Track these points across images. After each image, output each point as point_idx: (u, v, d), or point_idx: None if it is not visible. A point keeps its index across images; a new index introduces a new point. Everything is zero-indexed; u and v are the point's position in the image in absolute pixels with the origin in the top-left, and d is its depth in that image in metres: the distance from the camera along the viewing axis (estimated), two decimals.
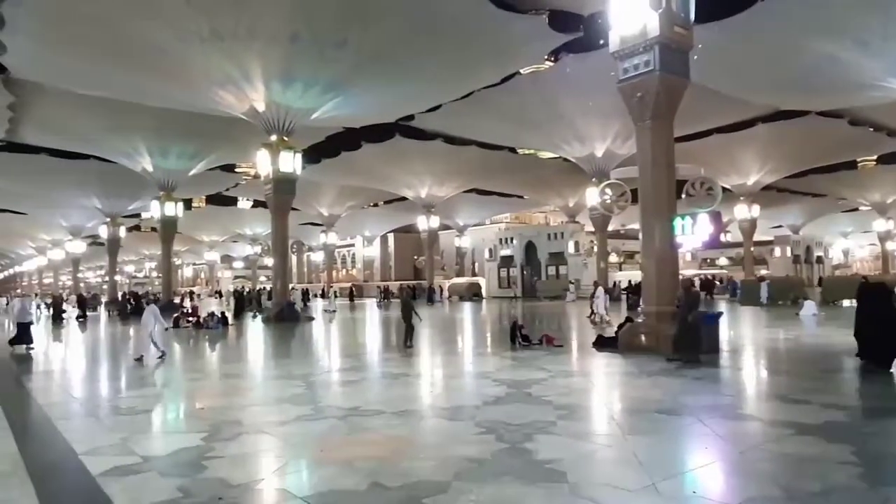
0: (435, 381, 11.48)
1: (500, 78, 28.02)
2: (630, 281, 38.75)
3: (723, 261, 63.43)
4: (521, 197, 58.35)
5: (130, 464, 6.00)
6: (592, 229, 43.75)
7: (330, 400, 9.27)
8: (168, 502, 4.96)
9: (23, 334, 17.12)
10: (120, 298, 42.95)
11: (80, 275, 73.10)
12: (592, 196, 34.99)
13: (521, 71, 28.96)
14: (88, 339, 22.98)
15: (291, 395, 9.52)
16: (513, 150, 43.03)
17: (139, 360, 13.77)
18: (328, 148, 38.67)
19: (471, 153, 40.88)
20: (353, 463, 5.82)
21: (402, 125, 35.42)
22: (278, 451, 6.62)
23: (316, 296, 52.96)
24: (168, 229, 40.21)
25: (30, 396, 10.43)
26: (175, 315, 26.03)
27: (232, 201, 62.54)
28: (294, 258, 79.15)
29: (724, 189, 24.61)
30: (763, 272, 49.71)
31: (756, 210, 46.76)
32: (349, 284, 62.01)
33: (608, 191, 18.10)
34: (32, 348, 17.00)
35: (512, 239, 53.37)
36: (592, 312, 22.40)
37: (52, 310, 32.10)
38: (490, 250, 54.79)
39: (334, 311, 34.09)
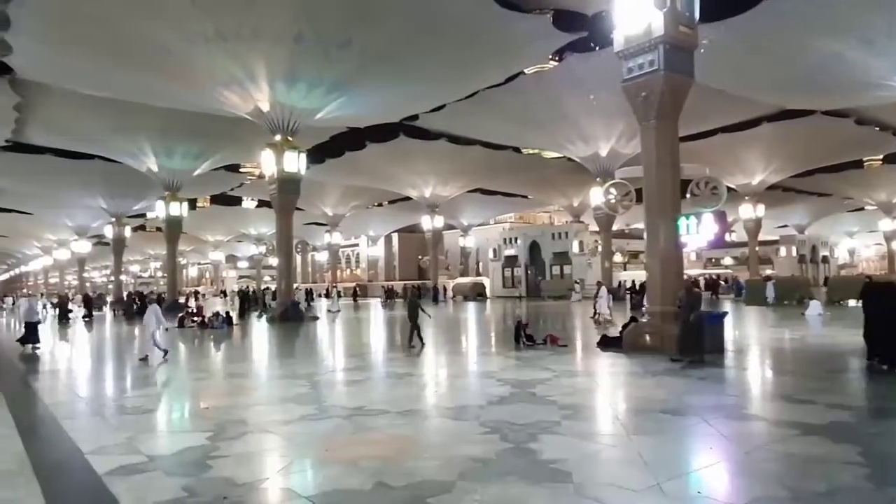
0: (439, 381, 11.49)
1: (505, 78, 28.00)
2: (633, 281, 38.72)
3: (728, 260, 63.28)
4: (525, 197, 58.32)
5: (136, 463, 6.03)
6: (597, 229, 43.73)
7: (334, 399, 9.29)
8: (173, 501, 4.98)
9: (30, 334, 17.24)
10: (125, 298, 43.10)
11: (85, 274, 73.29)
12: (597, 196, 34.93)
13: (526, 71, 28.92)
14: (94, 338, 23.06)
15: (296, 394, 9.54)
16: (517, 149, 42.99)
17: (144, 359, 13.81)
18: (332, 148, 38.72)
19: (475, 153, 40.88)
20: (358, 462, 5.83)
21: (406, 125, 35.43)
22: (283, 450, 6.64)
23: (320, 296, 53.00)
24: (173, 229, 40.32)
25: (36, 396, 10.48)
26: (180, 315, 26.12)
27: (236, 201, 62.65)
28: (298, 258, 79.32)
29: (729, 188, 24.57)
30: (768, 272, 49.53)
31: (761, 210, 46.64)
32: (353, 284, 62.09)
33: (612, 190, 18.03)
34: (38, 348, 17.08)
35: (516, 239, 53.32)
36: (596, 313, 22.36)
37: (58, 309, 32.21)
38: (494, 250, 54.74)
39: (338, 311, 34.12)
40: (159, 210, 39.73)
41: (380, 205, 64.01)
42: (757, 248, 49.22)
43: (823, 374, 10.92)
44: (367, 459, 5.92)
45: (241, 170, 48.39)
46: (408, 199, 53.23)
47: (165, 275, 51.14)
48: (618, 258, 54.88)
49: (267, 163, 27.12)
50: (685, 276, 13.40)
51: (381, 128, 35.76)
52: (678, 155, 14.39)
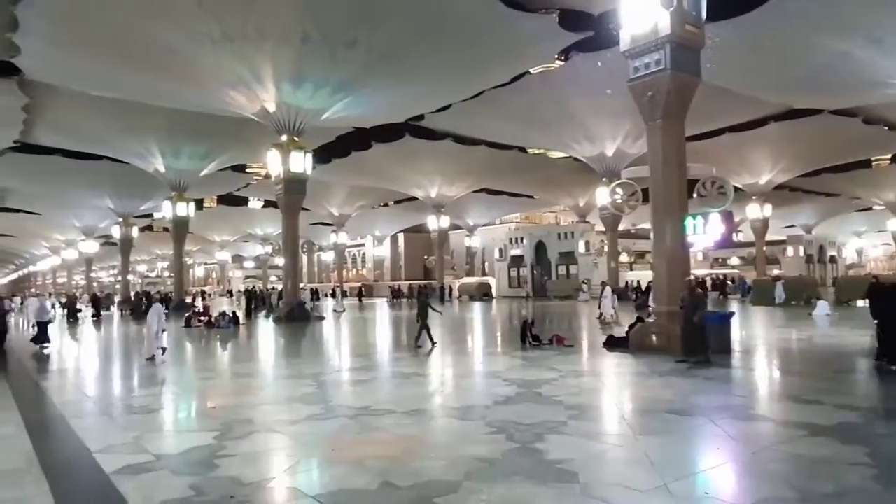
0: (445, 381, 11.50)
1: (510, 77, 27.95)
2: (638, 281, 38.65)
3: (735, 260, 62.99)
4: (531, 197, 58.26)
5: (143, 462, 6.06)
6: (603, 229, 43.59)
7: (340, 399, 9.30)
8: (180, 500, 5.00)
9: (42, 333, 17.36)
10: (133, 298, 43.33)
11: (92, 274, 73.69)
12: (603, 195, 34.86)
13: (531, 70, 28.87)
14: (102, 338, 23.18)
15: (302, 394, 9.56)
16: (523, 149, 42.94)
17: (150, 359, 13.87)
18: (338, 148, 38.78)
19: (481, 153, 40.85)
20: (364, 462, 5.84)
21: (412, 125, 35.44)
22: (289, 449, 6.66)
23: (326, 295, 53.10)
24: (180, 229, 40.48)
25: (44, 395, 10.55)
26: (187, 314, 26.24)
27: (243, 201, 62.85)
28: (304, 258, 79.43)
29: (736, 188, 24.44)
30: (776, 272, 49.33)
31: (768, 209, 46.41)
32: (359, 284, 62.16)
33: (619, 190, 18.02)
34: (46, 347, 17.18)
35: (522, 238, 53.26)
36: (601, 313, 22.31)
37: (66, 309, 32.45)
38: (500, 250, 54.70)
39: (342, 310, 34.23)
40: (166, 210, 39.90)
41: (385, 205, 64.07)
42: (764, 248, 49.00)
43: (831, 374, 10.87)
44: (374, 459, 5.93)
45: (248, 170, 48.58)
46: (413, 199, 53.23)
47: (172, 275, 51.34)
48: (624, 258, 54.72)
49: (273, 163, 27.21)
50: (687, 277, 13.30)
51: (387, 128, 35.78)
52: (685, 154, 14.35)
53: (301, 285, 36.55)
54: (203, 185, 42.65)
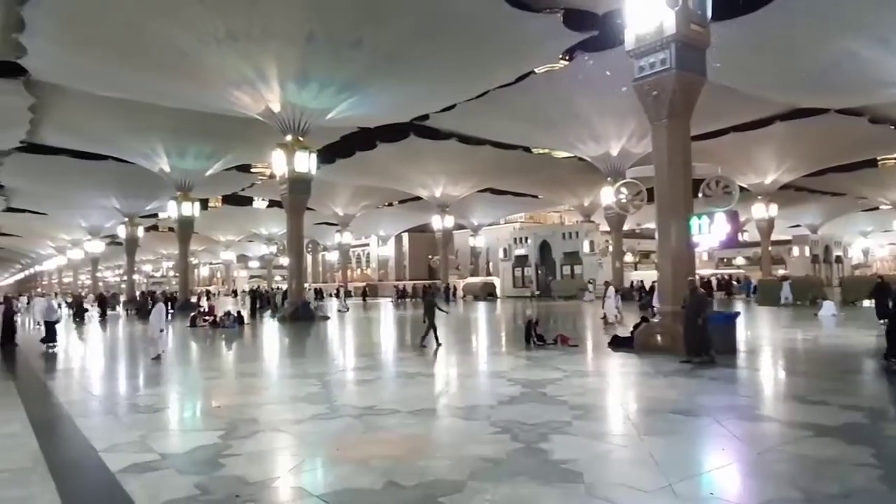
0: (450, 381, 11.50)
1: (515, 77, 27.94)
2: (641, 281, 38.57)
3: (740, 260, 62.79)
4: (535, 196, 58.20)
5: (149, 461, 6.08)
6: (607, 229, 43.55)
7: (345, 399, 9.31)
8: (186, 499, 5.02)
9: (50, 332, 17.45)
10: (138, 297, 43.47)
11: (98, 274, 73.98)
12: (607, 195, 34.80)
13: (536, 70, 28.83)
14: (108, 337, 23.28)
15: (307, 393, 9.58)
16: (527, 149, 42.89)
17: (156, 359, 13.92)
18: (343, 148, 38.79)
19: (485, 153, 40.83)
20: (369, 462, 5.85)
21: (416, 125, 35.44)
22: (294, 449, 6.67)
23: (330, 295, 53.19)
24: (185, 229, 40.60)
25: (51, 394, 10.59)
26: (192, 314, 26.31)
27: (247, 201, 62.96)
28: (309, 258, 79.58)
29: (742, 188, 24.33)
30: (781, 272, 49.15)
31: (774, 209, 46.28)
32: (363, 284, 62.21)
33: (624, 190, 17.97)
34: (53, 347, 17.24)
35: (526, 238, 53.24)
36: (605, 314, 22.24)
37: (73, 309, 32.61)
38: (504, 250, 54.70)
39: (346, 310, 34.33)
40: (171, 210, 40.03)
41: (390, 205, 64.13)
42: (769, 248, 48.84)
43: (837, 374, 10.82)
44: (378, 459, 5.94)
45: (253, 170, 48.64)
46: (418, 198, 53.27)
47: (177, 274, 51.47)
48: (629, 258, 54.61)
49: (278, 163, 27.27)
50: (689, 277, 13.25)
51: (392, 128, 35.79)
52: (690, 154, 14.31)
53: (306, 285, 36.61)
54: (208, 185, 42.77)
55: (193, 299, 41.53)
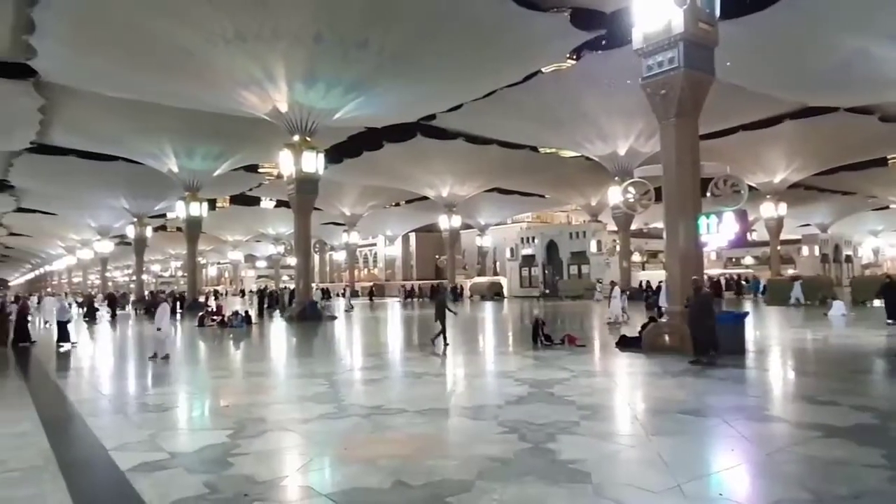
0: (457, 380, 11.50)
1: (522, 77, 27.90)
2: (648, 281, 38.40)
3: (749, 260, 62.47)
4: (542, 196, 58.09)
5: (158, 460, 6.11)
6: (615, 228, 43.42)
7: (353, 398, 9.33)
8: (195, 498, 5.04)
9: (63, 332, 17.58)
10: (147, 297, 43.72)
11: (107, 274, 74.40)
12: (615, 195, 34.73)
13: (543, 69, 28.80)
14: (118, 337, 23.43)
15: (314, 393, 9.60)
16: (534, 148, 42.83)
17: (165, 358, 13.99)
18: (350, 148, 38.85)
19: (492, 152, 40.81)
20: (377, 461, 5.86)
21: (423, 125, 35.46)
22: (302, 448, 6.69)
23: (338, 295, 53.32)
24: (193, 229, 40.78)
25: (61, 393, 10.67)
26: (200, 314, 26.45)
27: (255, 201, 63.20)
28: (316, 257, 79.74)
29: (750, 187, 24.26)
30: (791, 271, 48.87)
31: (783, 208, 46.02)
32: (370, 284, 62.31)
33: (631, 189, 17.93)
34: (62, 346, 17.37)
35: (533, 238, 53.16)
36: (615, 315, 22.14)
37: (84, 308, 32.89)
38: (511, 249, 54.63)
39: (350, 309, 34.43)
40: (180, 210, 40.22)
41: (397, 204, 64.20)
42: (779, 248, 48.57)
43: (847, 374, 10.75)
44: (386, 458, 5.95)
45: (260, 170, 48.82)
46: (425, 198, 53.28)
47: (186, 274, 51.71)
48: (636, 258, 54.47)
49: (285, 163, 27.35)
50: (694, 277, 13.18)
51: (399, 128, 35.82)
52: (698, 153, 14.24)
53: (313, 285, 36.72)
54: (216, 186, 42.94)
55: (201, 299, 41.75)
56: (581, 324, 22.95)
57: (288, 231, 61.62)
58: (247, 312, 25.91)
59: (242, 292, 73.70)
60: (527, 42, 23.61)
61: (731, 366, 11.25)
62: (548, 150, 44.85)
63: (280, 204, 59.84)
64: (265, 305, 34.49)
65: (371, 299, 51.24)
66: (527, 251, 53.03)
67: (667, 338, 13.53)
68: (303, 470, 5.89)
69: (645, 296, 31.32)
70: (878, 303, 26.14)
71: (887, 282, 19.40)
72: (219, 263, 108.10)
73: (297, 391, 10.07)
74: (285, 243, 72.58)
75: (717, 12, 14.07)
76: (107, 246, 63.22)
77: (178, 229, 53.89)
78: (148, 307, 35.62)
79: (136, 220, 48.55)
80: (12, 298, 31.75)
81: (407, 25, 21.69)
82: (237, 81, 24.61)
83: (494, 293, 48.87)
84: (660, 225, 31.81)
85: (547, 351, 14.13)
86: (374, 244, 79.62)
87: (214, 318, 25.18)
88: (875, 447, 6.01)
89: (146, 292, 50.48)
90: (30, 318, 20.54)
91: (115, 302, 36.28)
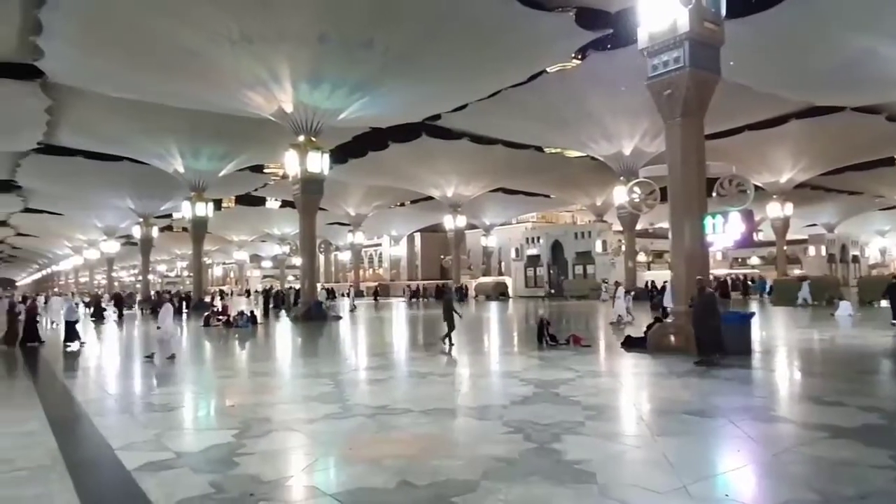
0: (462, 381, 11.50)
1: (527, 76, 27.88)
2: (652, 281, 38.34)
3: (755, 260, 62.27)
4: (547, 196, 58.04)
5: (164, 459, 6.13)
6: (620, 228, 43.34)
7: (358, 398, 9.34)
8: (201, 497, 5.05)
9: (72, 332, 17.68)
10: (154, 297, 43.86)
11: (114, 274, 74.76)
12: (620, 195, 34.61)
13: (548, 69, 28.77)
14: (124, 337, 23.51)
15: (320, 393, 9.61)
16: (539, 148, 42.79)
17: (171, 358, 14.03)
18: (355, 148, 38.91)
19: (497, 152, 40.78)
20: (382, 461, 5.86)
21: (428, 125, 35.47)
22: (307, 448, 6.70)
23: (343, 295, 53.39)
24: (199, 229, 40.91)
25: (68, 393, 10.72)
26: (206, 314, 26.51)
27: (260, 201, 63.37)
28: (322, 257, 79.88)
29: (757, 187, 24.11)
30: (797, 271, 48.69)
31: (789, 208, 45.83)
32: (375, 284, 62.37)
33: (637, 189, 17.85)
34: (69, 346, 17.45)
35: (538, 238, 53.12)
36: (619, 316, 22.08)
37: (91, 308, 33.04)
38: (516, 249, 54.61)
39: (353, 309, 34.43)
40: (185, 210, 40.38)
41: (402, 204, 64.24)
42: (785, 248, 48.37)
43: (854, 375, 10.70)
44: (391, 458, 5.95)
45: (265, 170, 48.95)
46: (430, 198, 53.30)
47: (191, 274, 51.88)
48: (642, 258, 54.33)
49: (290, 163, 27.40)
50: (698, 277, 13.13)
51: (404, 128, 35.85)
52: (704, 153, 14.20)
53: (318, 285, 36.79)
54: (221, 186, 43.10)
55: (207, 299, 41.86)
56: (586, 324, 22.90)
57: (293, 231, 61.73)
58: (252, 312, 25.95)
59: (248, 292, 73.88)
60: (532, 42, 23.58)
61: (737, 366, 11.21)
62: (553, 150, 44.80)
63: (285, 204, 59.94)
64: (270, 305, 34.57)
65: (376, 299, 51.29)
66: (532, 251, 52.98)
67: (672, 338, 13.49)
68: (308, 470, 5.90)
69: (650, 296, 31.25)
70: (885, 303, 26.03)
71: (894, 282, 19.31)
72: (224, 263, 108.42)
73: (302, 391, 10.09)
74: (290, 243, 72.78)
75: (723, 11, 14.02)
76: (113, 246, 63.52)
77: (184, 229, 54.07)
78: (154, 307, 35.73)
79: (142, 220, 48.76)
80: (20, 298, 31.91)
81: (411, 25, 21.70)
82: (242, 82, 24.68)
83: (499, 293, 48.84)
84: (665, 225, 31.76)
85: (552, 351, 14.12)
86: (379, 244, 79.71)
87: (220, 318, 25.22)
88: (882, 448, 5.98)
89: (152, 292, 50.66)
90: (38, 318, 20.66)
91: (121, 302, 36.42)
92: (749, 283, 43.28)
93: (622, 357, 13.18)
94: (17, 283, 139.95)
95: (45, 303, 32.06)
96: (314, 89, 24.89)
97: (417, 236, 75.20)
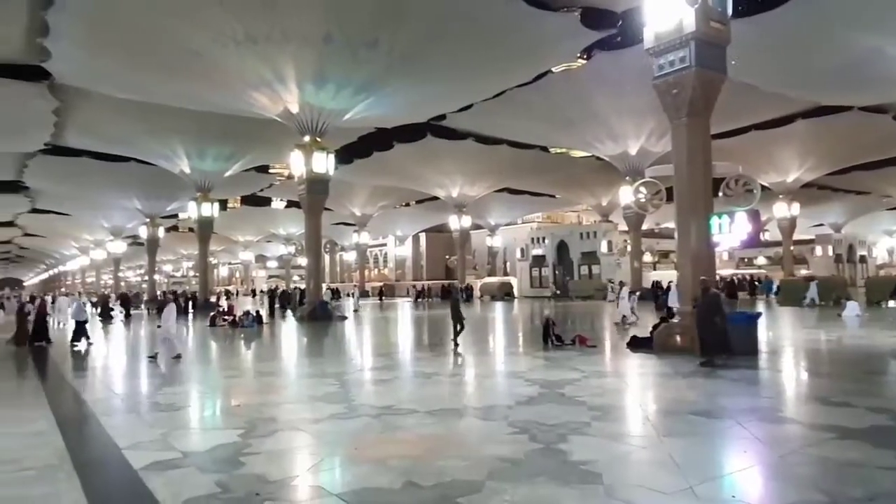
0: (467, 381, 11.50)
1: (532, 76, 27.85)
2: (658, 281, 38.23)
3: (761, 260, 62.04)
4: (553, 196, 57.98)
5: (170, 459, 6.15)
6: (626, 228, 43.24)
7: (363, 398, 9.34)
8: (207, 497, 5.07)
9: (80, 332, 17.77)
10: (160, 297, 44.01)
11: (120, 274, 75.06)
12: (626, 195, 34.59)
13: (553, 69, 28.74)
14: (132, 336, 23.60)
15: (325, 393, 9.63)
16: (545, 148, 42.76)
17: (177, 357, 14.09)
18: (360, 148, 38.97)
19: (502, 152, 40.77)
20: (387, 461, 5.86)
21: (433, 125, 35.50)
22: (313, 448, 6.71)
23: (348, 295, 53.47)
24: (204, 229, 41.06)
25: (75, 392, 10.77)
26: (211, 314, 26.60)
27: (266, 202, 63.55)
28: (327, 258, 79.95)
29: (763, 187, 24.06)
30: (804, 272, 48.46)
31: (796, 208, 45.65)
32: (380, 284, 62.42)
33: (642, 189, 17.87)
34: (76, 345, 17.53)
35: (544, 238, 53.06)
36: (624, 316, 22.02)
37: (99, 308, 33.19)
38: (522, 250, 54.56)
39: (357, 309, 34.53)
40: (191, 211, 40.49)
41: (407, 205, 64.28)
42: (792, 248, 48.17)
43: (861, 376, 10.65)
44: (397, 458, 5.95)
45: (271, 171, 49.08)
46: (435, 198, 53.31)
47: (197, 274, 52.05)
48: (647, 258, 54.21)
49: (296, 164, 27.47)
50: (702, 277, 13.06)
51: (409, 128, 35.89)
52: (710, 153, 14.15)
53: (323, 285, 36.87)
54: (227, 186, 43.23)
55: (213, 299, 41.99)
56: (592, 324, 22.86)
57: (299, 231, 61.85)
58: (258, 312, 26.02)
59: (253, 292, 74.06)
60: (537, 42, 23.56)
61: (743, 367, 11.16)
62: (558, 150, 44.76)
63: (291, 204, 60.12)
64: (276, 305, 34.64)
65: (381, 299, 51.30)
66: (537, 251, 52.93)
67: (678, 338, 13.45)
68: (314, 470, 5.91)
69: (655, 296, 31.18)
70: (892, 303, 25.92)
71: None
72: (230, 263, 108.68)
73: (307, 391, 10.10)
74: (296, 243, 72.83)
75: (729, 11, 13.98)
76: (119, 246, 63.78)
77: (190, 230, 54.32)
78: (160, 307, 35.87)
79: (148, 220, 48.93)
80: (28, 298, 32.12)
81: (416, 25, 21.71)
82: (248, 83, 24.75)
83: (505, 293, 48.81)
84: (671, 225, 31.69)
85: (557, 351, 14.09)
86: (385, 244, 79.73)
87: (226, 317, 25.32)
88: (890, 449, 5.95)
89: (158, 292, 50.85)
90: (48, 317, 20.79)
91: (128, 302, 36.57)
92: (756, 283, 43.10)
93: (628, 357, 13.15)
94: (24, 284, 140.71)
95: (53, 302, 32.23)
96: (319, 90, 24.94)
97: (422, 236, 75.19)
